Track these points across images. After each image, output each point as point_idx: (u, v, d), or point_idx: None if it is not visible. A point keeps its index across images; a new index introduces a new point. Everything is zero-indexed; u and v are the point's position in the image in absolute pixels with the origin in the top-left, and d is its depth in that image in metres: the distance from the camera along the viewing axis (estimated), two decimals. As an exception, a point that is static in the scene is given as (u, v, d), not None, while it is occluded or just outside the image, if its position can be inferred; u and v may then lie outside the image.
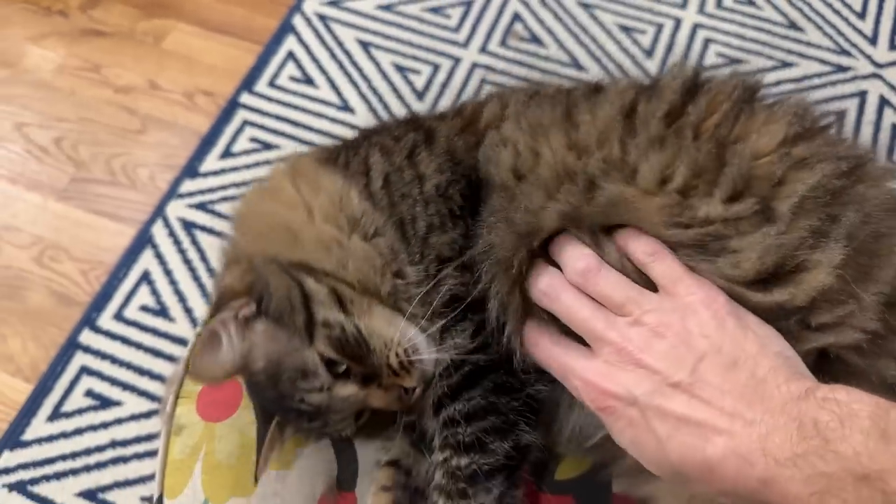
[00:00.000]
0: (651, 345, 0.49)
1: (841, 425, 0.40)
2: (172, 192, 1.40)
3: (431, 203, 0.58)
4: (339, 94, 1.51)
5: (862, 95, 1.49)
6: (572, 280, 0.53)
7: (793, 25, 1.57)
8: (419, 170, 0.59)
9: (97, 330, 1.27)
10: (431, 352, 0.56)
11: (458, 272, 0.56)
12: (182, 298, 1.29)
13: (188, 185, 1.41)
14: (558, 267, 0.54)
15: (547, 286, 0.54)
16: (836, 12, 1.59)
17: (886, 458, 0.38)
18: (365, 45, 1.56)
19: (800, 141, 0.53)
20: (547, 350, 0.54)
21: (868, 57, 1.53)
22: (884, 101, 1.48)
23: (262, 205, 0.64)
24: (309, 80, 1.52)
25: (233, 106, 1.50)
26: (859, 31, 1.57)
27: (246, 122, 1.48)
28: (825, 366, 0.49)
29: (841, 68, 1.52)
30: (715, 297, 0.49)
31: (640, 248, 0.52)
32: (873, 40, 1.56)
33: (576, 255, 0.53)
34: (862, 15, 1.59)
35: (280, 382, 0.56)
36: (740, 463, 0.43)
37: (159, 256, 1.33)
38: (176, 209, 1.38)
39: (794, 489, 0.40)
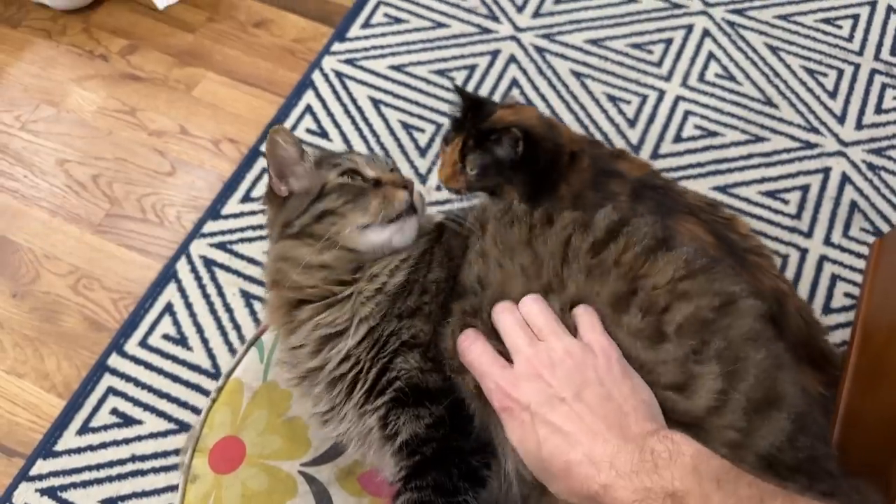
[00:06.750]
0: (553, 365, 0.63)
1: (669, 457, 0.55)
2: (196, 232, 1.56)
3: (428, 291, 0.74)
4: (349, 147, 1.66)
5: (826, 172, 1.62)
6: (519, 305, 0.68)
7: (768, 102, 1.71)
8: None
9: (124, 354, 1.43)
10: None
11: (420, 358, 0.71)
12: (200, 330, 1.45)
13: (210, 226, 1.57)
14: None
15: (501, 307, 0.69)
16: (810, 90, 1.73)
17: (690, 484, 0.53)
18: (376, 103, 1.72)
19: (685, 279, 0.68)
20: (477, 354, 0.67)
21: (835, 135, 1.67)
22: (845, 178, 1.61)
23: None
24: (324, 133, 1.68)
25: (254, 154, 1.66)
26: (829, 110, 1.70)
27: (265, 170, 1.63)
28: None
29: (809, 145, 1.66)
30: (612, 350, 0.64)
31: (580, 308, 0.68)
32: (841, 119, 1.69)
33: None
34: (833, 94, 1.72)
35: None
36: (590, 469, 0.57)
37: (182, 290, 1.49)
38: (198, 248, 1.54)
39: (623, 495, 0.55)
